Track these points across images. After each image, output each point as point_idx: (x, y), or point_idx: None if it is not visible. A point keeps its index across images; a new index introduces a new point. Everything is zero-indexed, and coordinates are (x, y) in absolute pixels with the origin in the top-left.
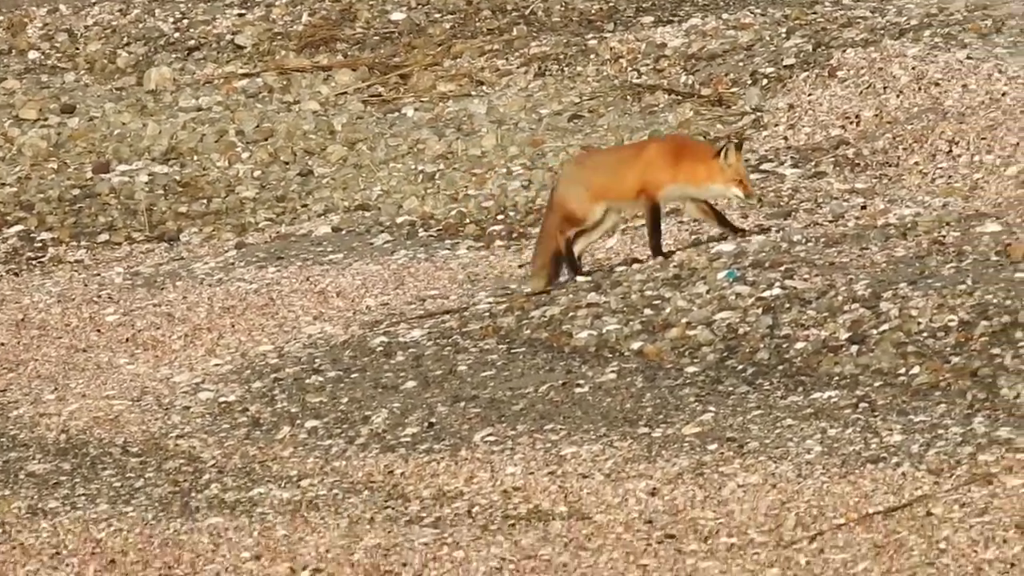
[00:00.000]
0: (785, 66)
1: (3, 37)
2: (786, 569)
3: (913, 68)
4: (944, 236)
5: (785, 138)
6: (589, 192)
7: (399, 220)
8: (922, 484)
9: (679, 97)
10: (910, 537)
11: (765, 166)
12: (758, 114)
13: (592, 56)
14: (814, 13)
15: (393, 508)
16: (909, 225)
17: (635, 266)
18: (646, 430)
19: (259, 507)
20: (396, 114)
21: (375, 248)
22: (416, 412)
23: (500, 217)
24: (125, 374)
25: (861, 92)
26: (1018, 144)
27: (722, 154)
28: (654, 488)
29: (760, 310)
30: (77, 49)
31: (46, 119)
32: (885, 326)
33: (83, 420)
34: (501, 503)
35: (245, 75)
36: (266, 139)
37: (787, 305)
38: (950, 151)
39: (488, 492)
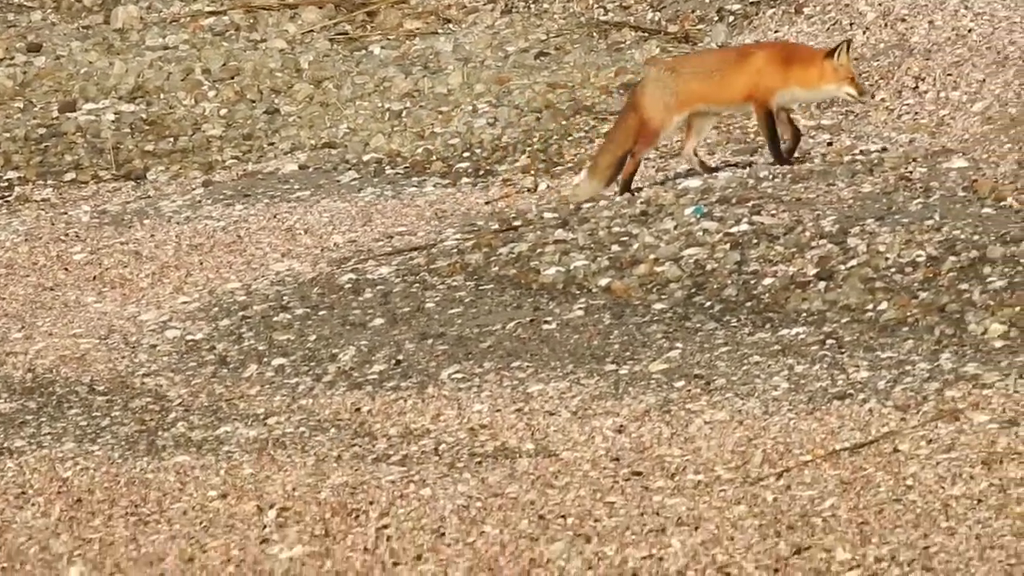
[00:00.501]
0: (751, 2)
1: None
2: (753, 506)
3: (879, 4)
4: (911, 172)
5: None
6: (677, 99)
7: (366, 157)
8: (889, 420)
9: (645, 34)
10: (877, 474)
11: None
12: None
13: None
14: None
15: (360, 446)
16: (876, 161)
17: (602, 202)
18: (613, 367)
19: (226, 445)
20: (363, 52)
21: (342, 185)
22: (383, 349)
23: (466, 154)
24: (92, 312)
25: (827, 28)
26: (984, 80)
27: (836, 54)
28: (621, 425)
29: (728, 246)
30: None
31: (12, 58)
32: (853, 262)
33: (49, 358)
34: (468, 441)
35: (212, 13)
36: (232, 77)
37: (755, 241)
38: (916, 87)
39: (455, 430)
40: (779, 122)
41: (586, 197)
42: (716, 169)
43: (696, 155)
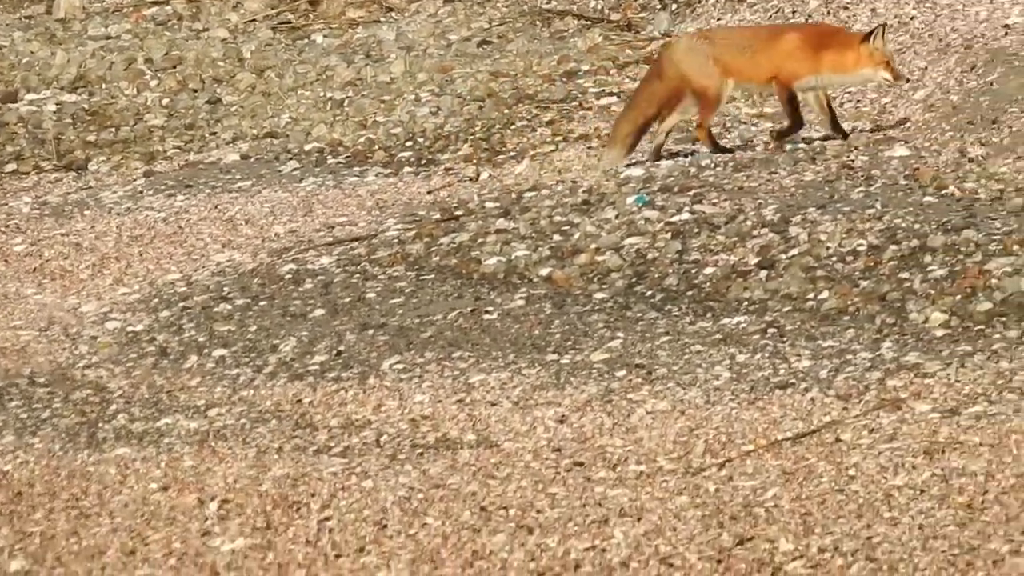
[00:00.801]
0: None
1: None
2: (695, 496)
3: None
4: (853, 160)
5: None
6: (719, 67)
7: (307, 147)
8: (831, 410)
9: (588, 22)
10: (819, 463)
11: None
12: (667, 39)
13: None
14: None
15: (301, 438)
16: (818, 149)
17: (544, 191)
18: (554, 357)
19: (167, 437)
20: (305, 41)
21: (283, 175)
22: (324, 340)
23: (408, 143)
24: (32, 304)
25: (770, 16)
26: (926, 68)
27: (872, 38)
28: (562, 415)
29: (669, 235)
30: None
31: None
32: (794, 251)
33: None
34: (409, 432)
35: (154, 3)
36: (174, 67)
37: (696, 230)
38: None
39: (396, 420)
40: (818, 104)
41: (608, 167)
42: (661, 158)
43: (666, 136)
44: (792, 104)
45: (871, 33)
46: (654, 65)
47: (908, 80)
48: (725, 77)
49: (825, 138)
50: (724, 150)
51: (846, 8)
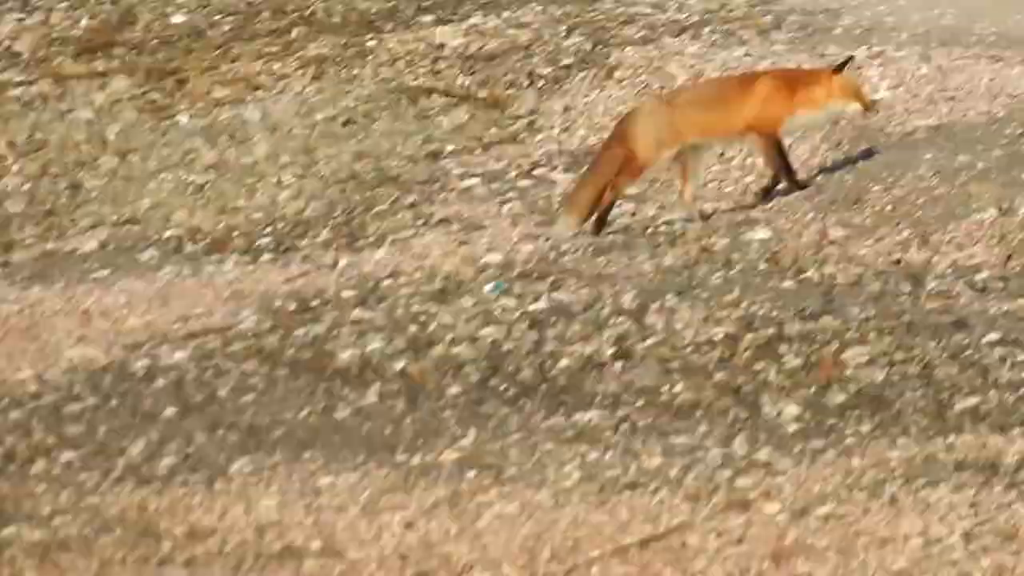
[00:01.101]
0: (563, 66)
1: None
2: None
3: (691, 66)
4: (713, 244)
5: (559, 142)
6: (670, 134)
7: (166, 234)
8: (679, 512)
9: (455, 99)
10: (665, 569)
11: (537, 171)
12: (533, 116)
13: (370, 57)
14: (594, 10)
15: (145, 547)
16: (679, 232)
17: (402, 279)
18: (404, 457)
19: (8, 549)
20: (170, 122)
21: (141, 264)
22: (174, 441)
23: (268, 229)
24: None
25: (638, 92)
26: (791, 145)
27: (843, 70)
28: (409, 521)
29: (526, 325)
30: None
31: None
32: (650, 340)
33: None
34: (254, 540)
35: (20, 83)
36: (38, 151)
37: (553, 319)
38: (722, 154)
39: (242, 528)
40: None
41: (565, 235)
42: (709, 216)
43: (694, 202)
44: (776, 149)
45: (843, 64)
46: (616, 129)
47: (877, 111)
48: (673, 146)
49: (688, 220)
50: (600, 228)
51: None
